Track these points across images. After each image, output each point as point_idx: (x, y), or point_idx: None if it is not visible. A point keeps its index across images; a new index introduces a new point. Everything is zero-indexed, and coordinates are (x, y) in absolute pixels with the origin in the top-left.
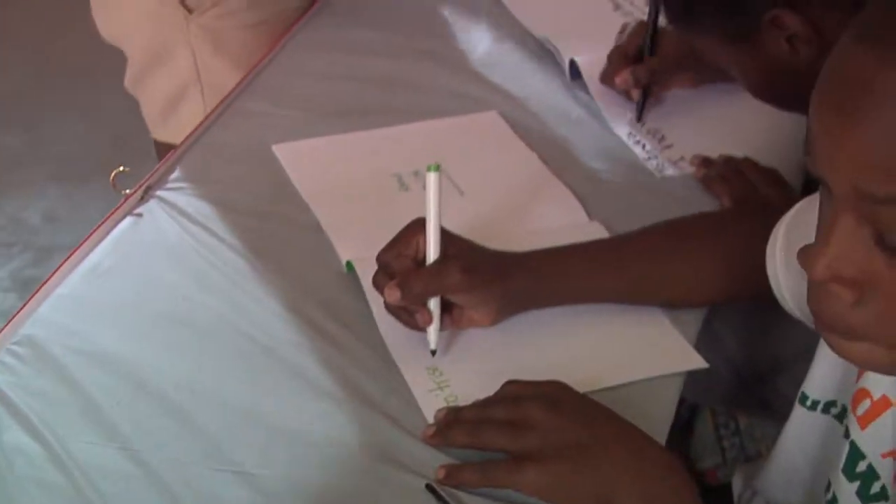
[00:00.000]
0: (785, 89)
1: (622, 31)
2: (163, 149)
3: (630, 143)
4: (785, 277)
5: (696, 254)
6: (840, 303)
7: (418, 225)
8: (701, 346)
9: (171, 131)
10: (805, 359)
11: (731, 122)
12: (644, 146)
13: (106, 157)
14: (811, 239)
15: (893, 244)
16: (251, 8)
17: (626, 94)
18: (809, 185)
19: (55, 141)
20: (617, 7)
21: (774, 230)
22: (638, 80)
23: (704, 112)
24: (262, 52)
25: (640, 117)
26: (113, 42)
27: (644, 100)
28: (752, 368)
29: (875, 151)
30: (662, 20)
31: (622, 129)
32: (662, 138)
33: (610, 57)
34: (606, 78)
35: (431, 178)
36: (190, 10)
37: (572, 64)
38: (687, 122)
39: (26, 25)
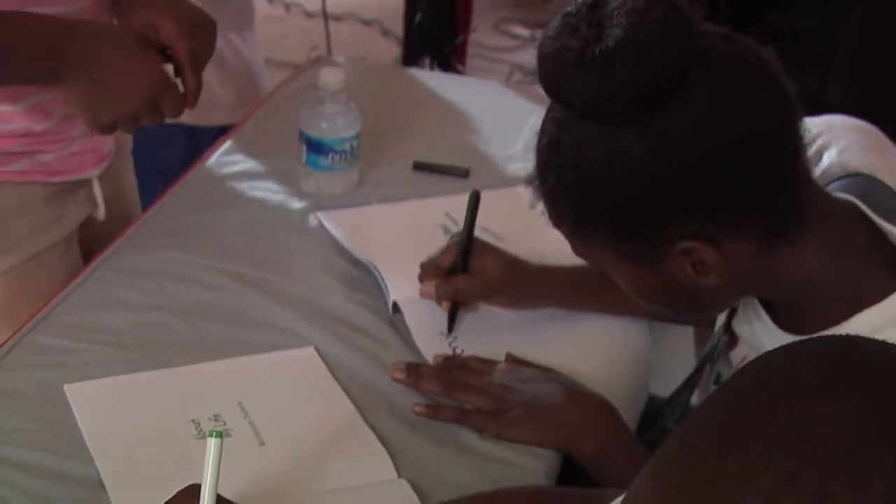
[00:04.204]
0: (677, 303)
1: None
2: None
3: None
4: None
5: None
6: None
7: (191, 493)
8: None
9: None
10: None
11: (542, 349)
12: None
13: None
14: None
15: None
16: None
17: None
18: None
19: None
20: (446, 231)
21: None
22: (440, 295)
23: (516, 334)
24: (20, 303)
25: (450, 328)
26: None
27: (455, 311)
28: None
29: None
30: (485, 235)
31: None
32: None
33: (423, 266)
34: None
35: (212, 444)
36: None
37: (395, 303)
38: (491, 342)
39: None
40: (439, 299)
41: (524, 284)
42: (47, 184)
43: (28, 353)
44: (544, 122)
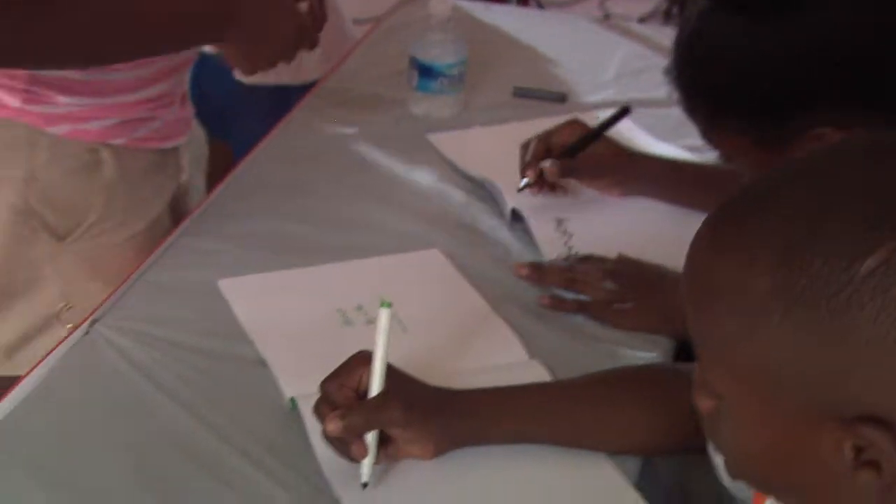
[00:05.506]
0: None
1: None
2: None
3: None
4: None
5: (635, 406)
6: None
7: (363, 357)
8: (641, 481)
9: (15, 365)
10: None
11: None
12: None
13: None
14: None
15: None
16: (125, 225)
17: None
18: None
19: None
20: None
21: None
22: (563, 172)
23: (626, 238)
24: (129, 268)
25: (520, 189)
26: None
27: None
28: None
29: (705, 335)
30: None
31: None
32: (565, 231)
33: (536, 143)
34: (527, 165)
35: (383, 314)
36: (61, 238)
37: (513, 211)
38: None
39: None
40: (561, 176)
41: (626, 166)
42: (158, 150)
43: (180, 254)
44: (685, 16)
